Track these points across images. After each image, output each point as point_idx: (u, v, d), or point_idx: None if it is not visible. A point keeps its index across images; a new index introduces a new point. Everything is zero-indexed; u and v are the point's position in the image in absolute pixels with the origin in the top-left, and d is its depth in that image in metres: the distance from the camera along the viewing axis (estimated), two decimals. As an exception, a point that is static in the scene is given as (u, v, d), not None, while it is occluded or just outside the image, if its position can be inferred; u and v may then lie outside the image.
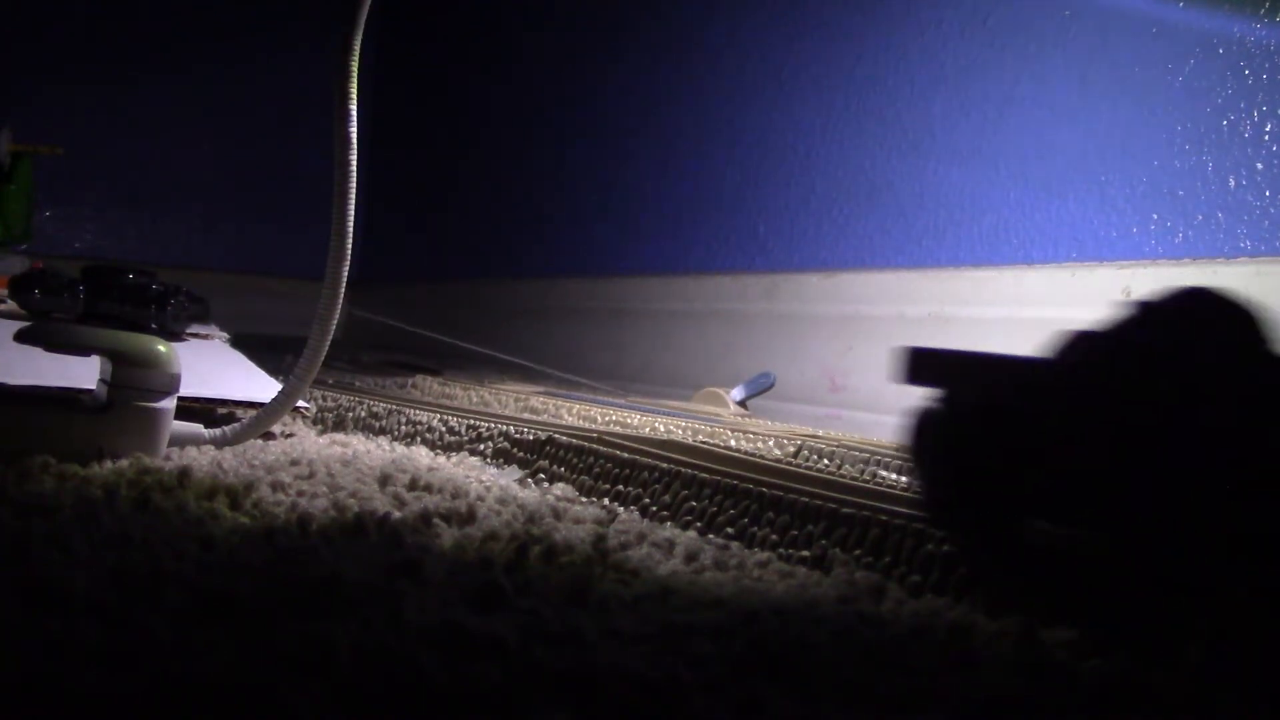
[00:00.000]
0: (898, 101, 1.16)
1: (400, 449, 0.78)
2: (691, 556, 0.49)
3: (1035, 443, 0.42)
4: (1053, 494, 0.42)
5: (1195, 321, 0.41)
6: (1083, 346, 0.43)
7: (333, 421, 0.92)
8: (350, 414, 0.94)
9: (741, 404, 1.19)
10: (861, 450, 0.78)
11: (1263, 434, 0.37)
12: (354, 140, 0.71)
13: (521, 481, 0.69)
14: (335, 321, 0.74)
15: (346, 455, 0.71)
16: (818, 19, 1.26)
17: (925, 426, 0.45)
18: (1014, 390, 0.44)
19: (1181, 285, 0.42)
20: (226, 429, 0.72)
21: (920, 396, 0.46)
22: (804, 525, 0.52)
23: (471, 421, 0.80)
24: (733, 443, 0.79)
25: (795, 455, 0.77)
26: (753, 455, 0.68)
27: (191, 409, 0.75)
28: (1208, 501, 0.37)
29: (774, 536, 0.53)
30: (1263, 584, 0.37)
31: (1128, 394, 0.40)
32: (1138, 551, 0.39)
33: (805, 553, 0.51)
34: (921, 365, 0.47)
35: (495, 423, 0.80)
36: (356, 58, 0.71)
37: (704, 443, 0.73)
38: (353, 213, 0.72)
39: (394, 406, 0.91)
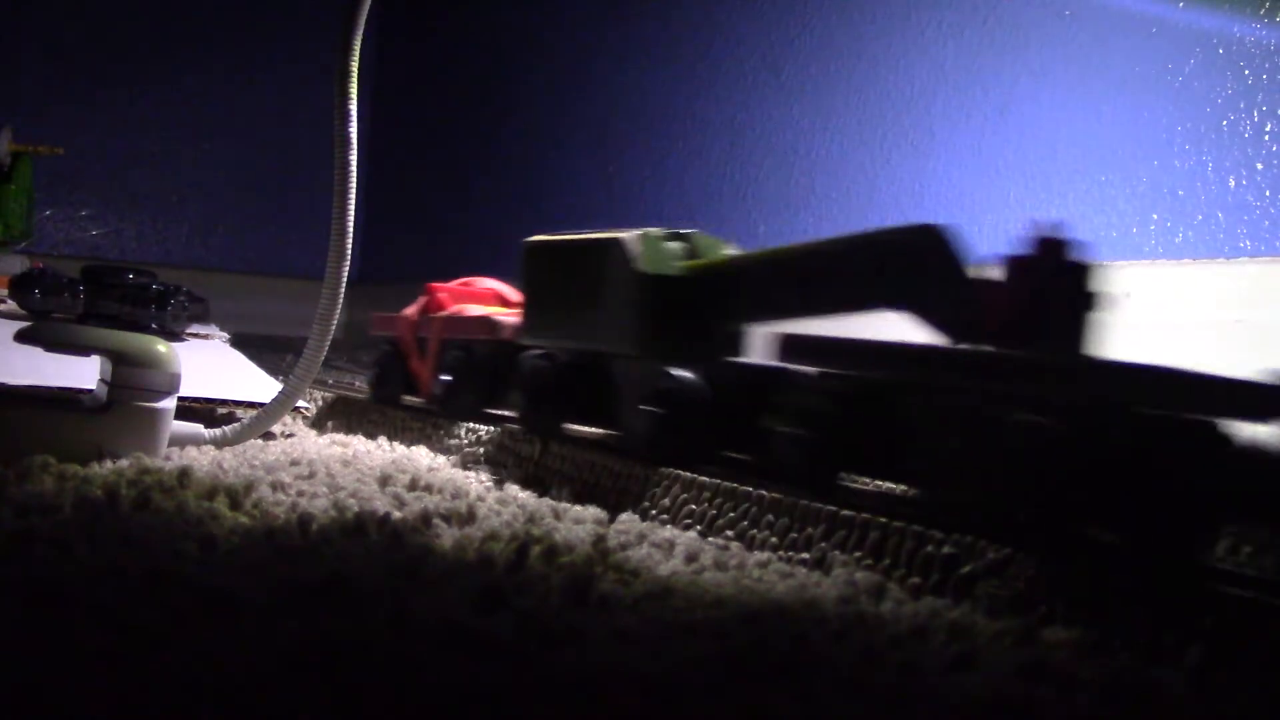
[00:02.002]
0: (898, 101, 1.16)
1: (400, 449, 0.78)
2: (692, 557, 0.50)
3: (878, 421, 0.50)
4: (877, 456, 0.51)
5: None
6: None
7: (332, 425, 0.92)
8: (350, 415, 0.94)
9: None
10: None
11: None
12: (354, 140, 0.71)
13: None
14: (335, 321, 0.74)
15: (346, 455, 0.71)
16: (818, 18, 1.26)
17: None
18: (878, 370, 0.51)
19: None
20: (226, 429, 0.72)
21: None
22: (804, 528, 0.52)
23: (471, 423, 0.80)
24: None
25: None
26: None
27: (191, 409, 0.75)
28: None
29: (774, 539, 0.53)
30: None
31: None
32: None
33: (805, 554, 0.51)
34: (791, 347, 0.54)
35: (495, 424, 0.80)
36: (356, 58, 0.71)
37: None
38: (353, 213, 0.72)
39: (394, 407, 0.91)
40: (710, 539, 0.54)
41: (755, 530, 0.53)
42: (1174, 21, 0.92)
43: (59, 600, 0.34)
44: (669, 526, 0.57)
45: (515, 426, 0.72)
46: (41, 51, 1.90)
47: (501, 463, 0.70)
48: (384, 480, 0.62)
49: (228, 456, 0.66)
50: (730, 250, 0.67)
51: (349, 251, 0.72)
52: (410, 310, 0.87)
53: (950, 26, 1.11)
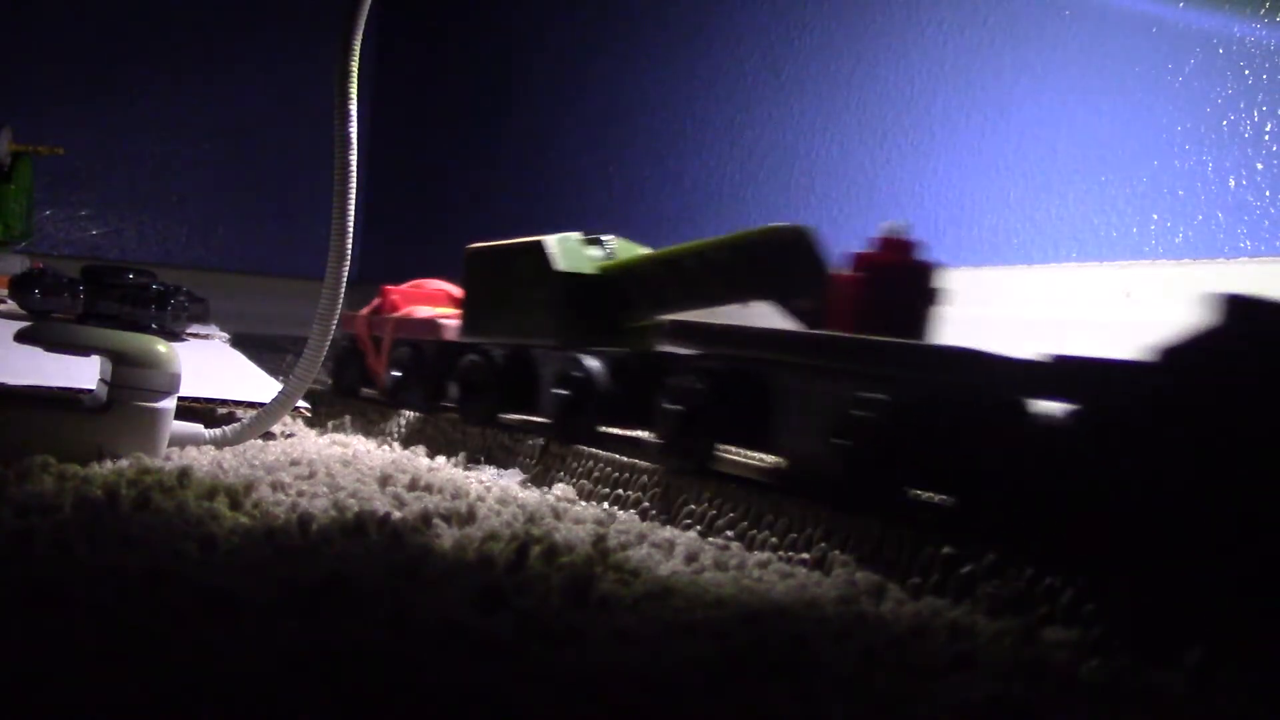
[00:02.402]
0: (898, 101, 1.16)
1: (400, 449, 0.78)
2: (692, 557, 0.50)
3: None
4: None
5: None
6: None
7: (332, 425, 0.92)
8: (349, 416, 0.94)
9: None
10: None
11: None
12: (354, 140, 0.71)
13: (522, 483, 0.69)
14: (335, 321, 0.74)
15: (346, 455, 0.71)
16: (817, 18, 1.26)
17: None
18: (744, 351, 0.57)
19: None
20: (226, 429, 0.72)
21: None
22: (804, 528, 0.52)
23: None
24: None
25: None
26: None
27: (192, 409, 0.75)
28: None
29: (774, 539, 0.53)
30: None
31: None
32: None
33: (805, 555, 0.51)
34: (674, 332, 0.62)
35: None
36: (356, 58, 0.71)
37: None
38: (353, 213, 0.72)
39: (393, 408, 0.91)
40: (710, 539, 0.54)
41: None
42: (1174, 21, 0.92)
43: (59, 600, 0.34)
44: (669, 527, 0.57)
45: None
46: (41, 51, 1.90)
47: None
48: (384, 480, 0.62)
49: (228, 456, 0.66)
50: (643, 252, 0.74)
51: (349, 251, 0.72)
52: (366, 310, 0.95)
53: (950, 26, 1.11)
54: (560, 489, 0.66)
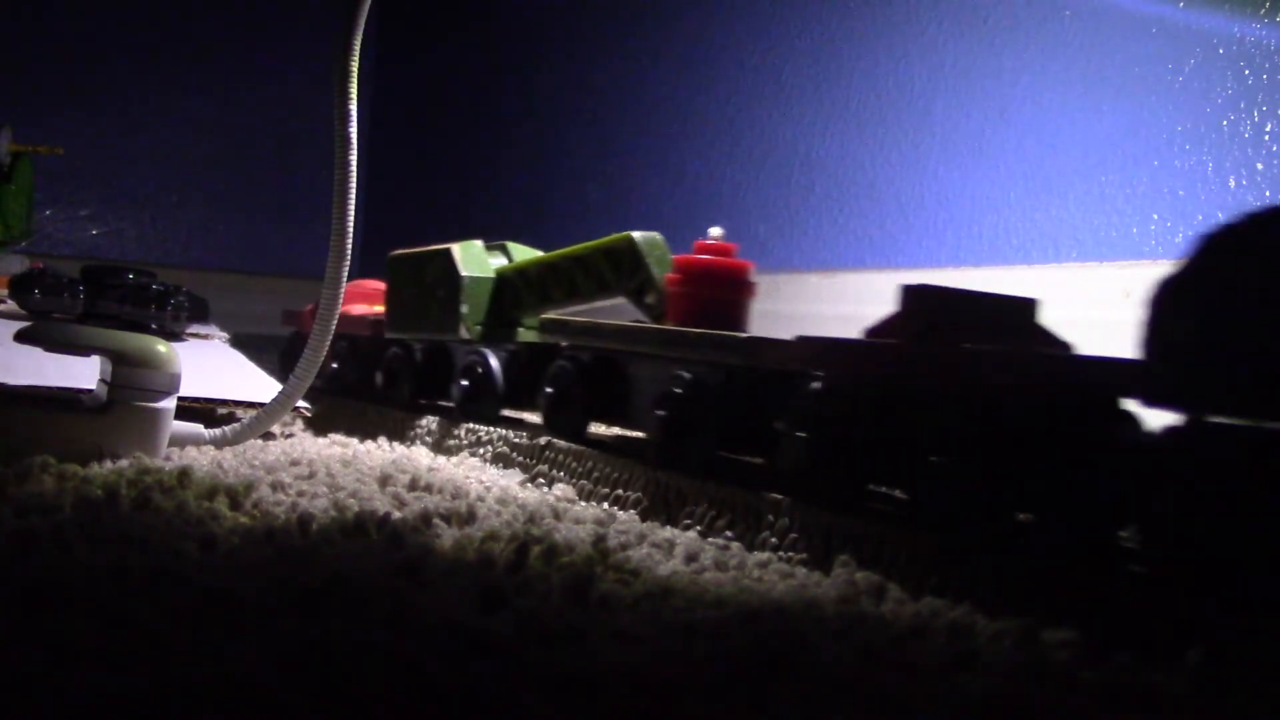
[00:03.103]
0: (898, 101, 1.16)
1: (400, 449, 0.78)
2: (692, 557, 0.50)
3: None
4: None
5: None
6: None
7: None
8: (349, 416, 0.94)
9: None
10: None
11: None
12: (354, 140, 0.71)
13: (522, 484, 0.69)
14: (335, 322, 0.74)
15: (346, 455, 0.71)
16: (817, 18, 1.26)
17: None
18: (601, 341, 0.69)
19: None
20: (226, 429, 0.72)
21: None
22: (803, 529, 0.52)
23: (471, 425, 0.80)
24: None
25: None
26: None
27: (191, 409, 0.75)
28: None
29: (773, 540, 0.53)
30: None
31: None
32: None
33: (805, 555, 0.51)
34: (547, 327, 0.74)
35: (495, 426, 0.80)
36: (356, 58, 0.71)
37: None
38: (353, 212, 0.72)
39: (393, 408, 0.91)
40: (710, 539, 0.54)
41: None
42: (1174, 22, 0.92)
43: (59, 600, 0.34)
44: (669, 527, 0.57)
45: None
46: (41, 51, 1.90)
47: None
48: (384, 480, 0.62)
49: (228, 456, 0.66)
50: (535, 256, 0.84)
51: (349, 251, 0.72)
52: (310, 307, 1.00)
53: (950, 26, 1.11)
54: (560, 489, 0.66)
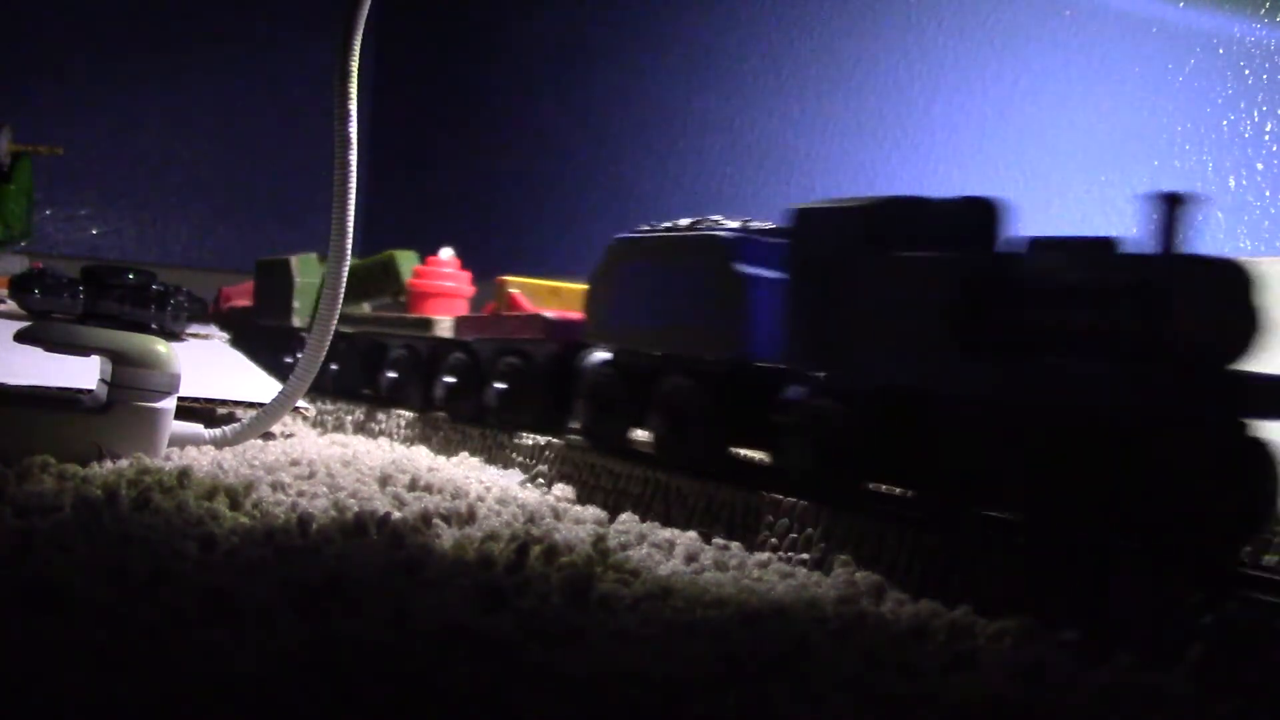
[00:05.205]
0: (898, 101, 1.16)
1: (400, 449, 0.78)
2: (692, 557, 0.50)
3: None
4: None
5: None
6: None
7: (332, 424, 0.92)
8: (349, 416, 0.94)
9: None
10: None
11: None
12: (354, 140, 0.71)
13: (522, 484, 0.69)
14: (335, 322, 0.74)
15: (346, 455, 0.71)
16: (817, 18, 1.26)
17: None
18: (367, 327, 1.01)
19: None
20: (226, 429, 0.72)
21: None
22: (803, 528, 0.52)
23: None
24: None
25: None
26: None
27: (191, 409, 0.75)
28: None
29: (773, 539, 0.53)
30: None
31: None
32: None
33: (805, 555, 0.51)
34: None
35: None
36: (356, 58, 0.71)
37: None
38: (353, 212, 0.72)
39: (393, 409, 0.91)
40: (713, 541, 0.54)
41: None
42: (1174, 21, 0.92)
43: (59, 600, 0.34)
44: (669, 528, 0.57)
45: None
46: (41, 51, 1.90)
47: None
48: (384, 480, 0.62)
49: (228, 456, 0.66)
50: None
51: (349, 251, 0.72)
52: (223, 290, 1.36)
53: (950, 26, 1.11)
54: (560, 489, 0.66)
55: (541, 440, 0.73)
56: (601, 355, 0.69)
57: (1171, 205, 0.44)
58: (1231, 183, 0.88)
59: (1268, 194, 0.86)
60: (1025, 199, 1.03)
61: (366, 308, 1.06)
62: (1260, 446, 0.42)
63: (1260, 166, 0.86)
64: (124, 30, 1.97)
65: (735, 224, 0.65)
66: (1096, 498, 0.42)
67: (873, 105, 1.19)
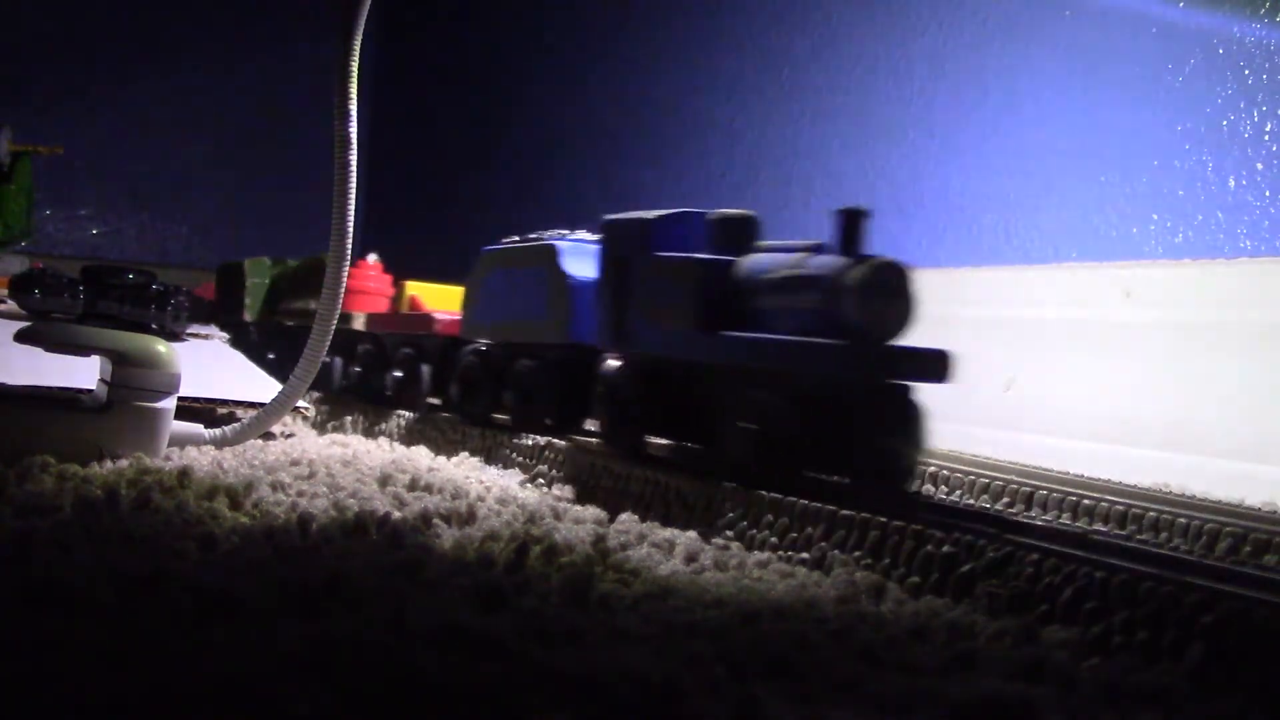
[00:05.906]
0: (898, 101, 1.16)
1: (400, 449, 0.78)
2: (691, 557, 0.50)
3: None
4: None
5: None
6: None
7: (332, 425, 0.92)
8: (349, 416, 0.94)
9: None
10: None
11: None
12: (354, 140, 0.71)
13: (522, 484, 0.69)
14: (335, 322, 0.74)
15: (346, 455, 0.71)
16: (818, 19, 1.26)
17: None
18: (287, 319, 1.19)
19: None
20: (226, 429, 0.72)
21: None
22: (804, 528, 0.52)
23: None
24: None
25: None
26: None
27: (192, 409, 0.75)
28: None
29: (774, 539, 0.53)
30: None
31: None
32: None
33: (805, 555, 0.51)
34: (278, 313, 1.20)
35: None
36: (356, 58, 0.71)
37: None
38: (353, 212, 0.72)
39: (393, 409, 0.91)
40: (713, 540, 0.54)
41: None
42: (1174, 21, 0.92)
43: (59, 600, 0.34)
44: (669, 527, 0.57)
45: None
46: (41, 51, 1.90)
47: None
48: (384, 480, 0.62)
49: (228, 456, 0.66)
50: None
51: (349, 251, 0.72)
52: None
53: (950, 26, 1.11)
54: (560, 489, 0.66)
55: (542, 440, 0.73)
56: (472, 346, 0.84)
57: (854, 217, 0.57)
58: (1231, 183, 0.88)
59: (1268, 194, 0.86)
60: (1025, 199, 1.03)
61: (312, 304, 1.12)
62: (911, 400, 0.56)
63: (1260, 166, 0.86)
64: (124, 30, 1.97)
65: (570, 234, 0.79)
66: (803, 440, 0.56)
67: (873, 105, 1.19)
